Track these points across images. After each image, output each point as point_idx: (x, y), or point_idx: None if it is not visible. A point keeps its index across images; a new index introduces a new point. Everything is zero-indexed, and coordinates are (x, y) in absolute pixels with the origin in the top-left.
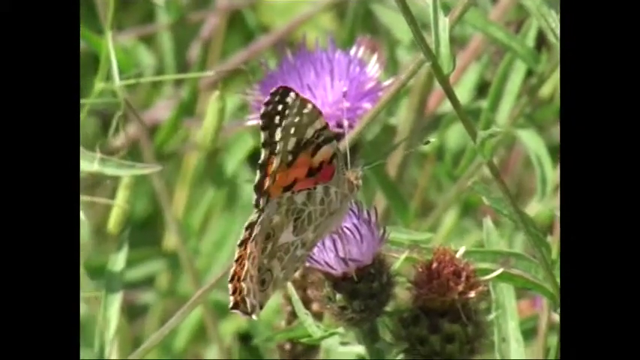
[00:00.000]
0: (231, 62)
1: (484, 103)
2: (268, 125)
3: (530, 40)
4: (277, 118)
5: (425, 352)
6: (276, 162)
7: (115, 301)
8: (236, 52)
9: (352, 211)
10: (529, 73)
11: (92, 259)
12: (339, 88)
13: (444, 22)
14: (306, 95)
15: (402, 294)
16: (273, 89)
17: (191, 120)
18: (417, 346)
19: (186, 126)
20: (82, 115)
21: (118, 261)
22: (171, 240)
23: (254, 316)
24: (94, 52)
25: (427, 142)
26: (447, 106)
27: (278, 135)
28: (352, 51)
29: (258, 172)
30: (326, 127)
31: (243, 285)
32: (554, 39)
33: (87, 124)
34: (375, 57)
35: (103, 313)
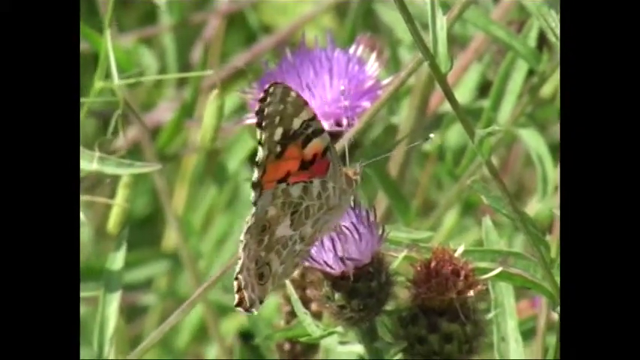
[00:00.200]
0: (233, 63)
1: (486, 103)
2: (261, 121)
3: (532, 40)
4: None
5: (423, 351)
6: (263, 152)
7: (114, 300)
8: (238, 53)
9: (351, 209)
10: (530, 73)
11: (92, 259)
12: (338, 86)
13: (442, 20)
14: (306, 94)
15: (401, 293)
16: (267, 86)
17: (193, 121)
18: (416, 345)
19: (187, 127)
20: (82, 115)
21: (117, 260)
22: (171, 239)
23: (253, 311)
24: (95, 52)
25: (427, 138)
26: (448, 105)
27: (263, 124)
28: (351, 49)
29: (255, 169)
30: (314, 118)
31: (240, 277)
32: (554, 38)
33: (87, 124)
34: (374, 55)
35: (101, 312)
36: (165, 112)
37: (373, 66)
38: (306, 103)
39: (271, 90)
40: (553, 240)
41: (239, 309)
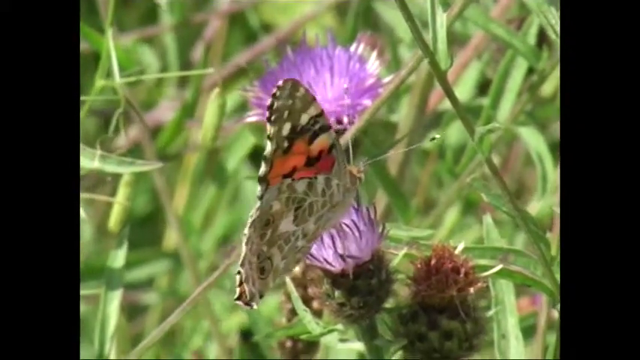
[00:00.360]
0: (234, 63)
1: (485, 101)
2: (271, 116)
3: (532, 38)
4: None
5: (424, 348)
6: (271, 146)
7: (115, 299)
8: (239, 52)
9: (352, 207)
10: (530, 71)
11: (93, 257)
12: (338, 84)
13: (442, 18)
14: None
15: (401, 290)
16: (280, 83)
17: (194, 121)
18: (416, 342)
19: (188, 127)
20: (82, 113)
21: (118, 258)
22: (172, 238)
23: (253, 305)
24: (96, 52)
25: (433, 139)
26: (448, 103)
27: (272, 118)
28: (352, 48)
29: (262, 163)
30: (321, 114)
31: (242, 270)
32: (554, 36)
33: (88, 122)
34: (375, 54)
35: (102, 311)
36: (166, 111)
37: (374, 64)
38: (314, 99)
39: (281, 84)
40: (553, 238)
41: (239, 302)
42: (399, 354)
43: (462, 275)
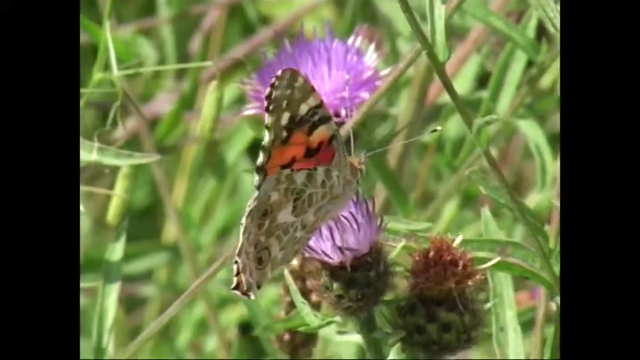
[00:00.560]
0: (232, 55)
1: (484, 94)
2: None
3: (531, 31)
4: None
5: (422, 340)
6: (269, 136)
7: (113, 291)
8: (237, 45)
9: (351, 199)
10: (529, 64)
11: (91, 250)
12: (336, 77)
13: (440, 10)
14: None
15: (400, 283)
16: (279, 72)
17: (192, 113)
18: (414, 334)
19: (186, 119)
20: (81, 106)
21: (116, 251)
22: (171, 231)
23: (250, 295)
24: (94, 44)
25: (434, 131)
26: (447, 96)
27: (270, 108)
28: (350, 40)
29: (260, 153)
30: (321, 104)
31: (239, 260)
32: (552, 29)
33: (86, 115)
34: (372, 46)
35: (100, 303)
36: (164, 103)
37: (372, 57)
38: (313, 89)
39: (280, 74)
40: (551, 230)
41: (236, 292)
42: (398, 346)
43: (460, 267)
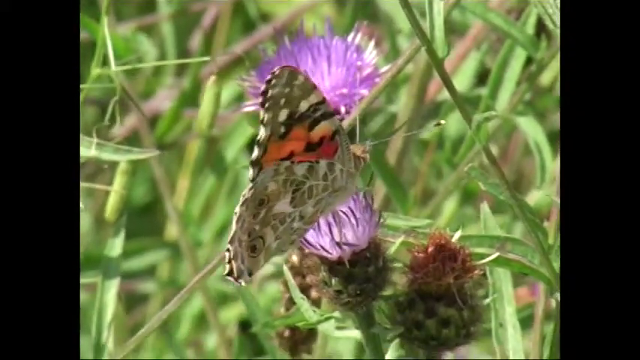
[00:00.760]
0: (232, 52)
1: (484, 91)
2: (264, 102)
3: (530, 28)
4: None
5: (421, 336)
6: (265, 132)
7: (112, 287)
8: (237, 42)
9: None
10: (529, 61)
11: (91, 247)
12: (336, 74)
13: (439, 5)
14: None
15: (399, 279)
16: (276, 70)
17: (192, 110)
18: (413, 330)
19: (187, 116)
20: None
21: (115, 247)
22: (171, 228)
23: (241, 282)
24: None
25: (438, 124)
26: (446, 93)
27: (266, 105)
28: (350, 37)
29: (255, 147)
30: (323, 101)
31: (230, 247)
32: (552, 26)
33: (86, 111)
34: (372, 43)
35: (100, 299)
36: (163, 100)
37: (371, 54)
38: (315, 87)
39: (277, 72)
40: (551, 226)
41: (229, 278)
42: (396, 342)
43: (458, 263)
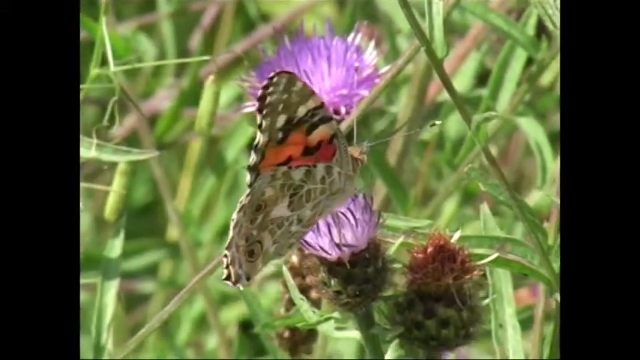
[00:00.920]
0: (232, 51)
1: (484, 92)
2: (262, 108)
3: (531, 28)
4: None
5: (420, 336)
6: (262, 138)
7: (112, 288)
8: (237, 42)
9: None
10: (529, 61)
11: (91, 248)
12: (336, 75)
13: (438, 6)
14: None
15: (398, 279)
16: (270, 75)
17: (192, 110)
18: (413, 330)
19: (186, 116)
20: None
21: (115, 247)
22: (172, 228)
23: (239, 286)
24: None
25: (433, 125)
26: (446, 94)
27: (264, 112)
28: (350, 38)
29: (252, 153)
30: (321, 106)
31: (228, 253)
32: (552, 27)
33: (85, 112)
34: (372, 44)
35: (99, 300)
36: (163, 100)
37: (371, 54)
38: (313, 93)
39: (275, 79)
40: (551, 227)
41: (228, 282)
42: (396, 342)
43: (458, 263)
